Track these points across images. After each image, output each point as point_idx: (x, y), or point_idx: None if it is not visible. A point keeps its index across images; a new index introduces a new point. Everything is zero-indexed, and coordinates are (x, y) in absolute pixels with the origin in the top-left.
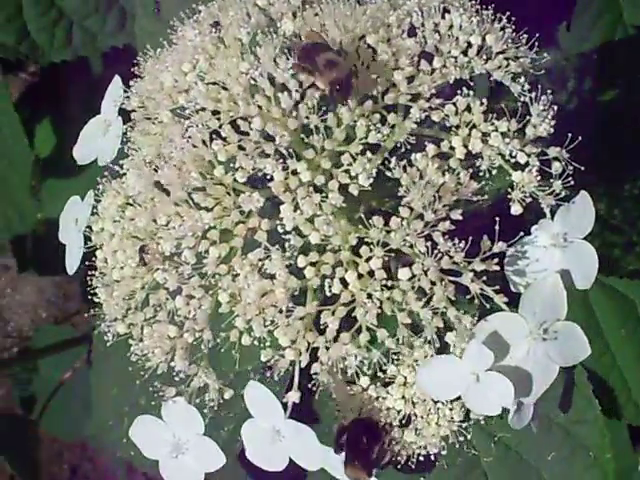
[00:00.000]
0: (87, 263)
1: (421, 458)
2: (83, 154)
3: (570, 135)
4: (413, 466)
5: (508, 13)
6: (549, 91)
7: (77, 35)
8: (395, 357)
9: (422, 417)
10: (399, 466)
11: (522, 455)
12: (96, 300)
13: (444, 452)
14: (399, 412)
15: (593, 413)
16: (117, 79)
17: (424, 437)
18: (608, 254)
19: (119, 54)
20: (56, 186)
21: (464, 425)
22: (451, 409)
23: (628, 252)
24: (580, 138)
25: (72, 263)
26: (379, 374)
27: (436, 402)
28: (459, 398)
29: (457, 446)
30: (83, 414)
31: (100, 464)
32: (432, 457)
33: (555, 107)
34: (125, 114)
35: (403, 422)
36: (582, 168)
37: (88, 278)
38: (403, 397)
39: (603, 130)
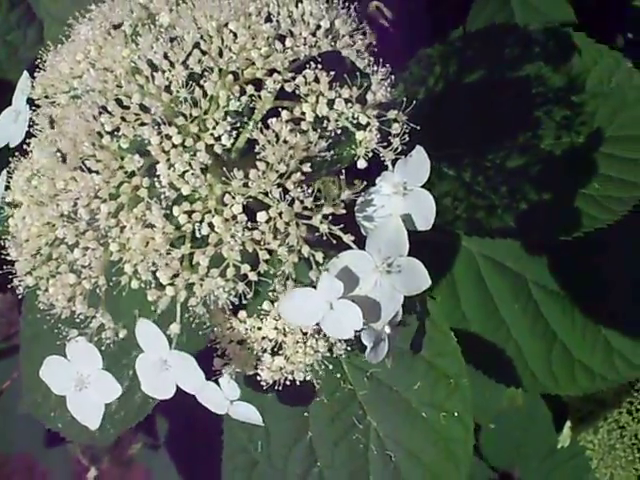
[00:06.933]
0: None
1: (297, 388)
2: None
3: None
4: (294, 398)
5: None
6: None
7: (1, 48)
8: (272, 295)
9: (291, 346)
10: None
11: (392, 387)
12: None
13: (322, 386)
14: (271, 340)
15: (451, 345)
16: (25, 74)
17: (292, 363)
18: (473, 216)
19: None
20: None
21: (328, 355)
22: (316, 340)
23: (491, 214)
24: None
25: None
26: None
27: (304, 333)
28: (324, 334)
29: (334, 382)
30: (22, 424)
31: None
32: (311, 391)
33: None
34: (32, 104)
35: (275, 350)
36: (417, 127)
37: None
38: (276, 328)
39: (469, 108)
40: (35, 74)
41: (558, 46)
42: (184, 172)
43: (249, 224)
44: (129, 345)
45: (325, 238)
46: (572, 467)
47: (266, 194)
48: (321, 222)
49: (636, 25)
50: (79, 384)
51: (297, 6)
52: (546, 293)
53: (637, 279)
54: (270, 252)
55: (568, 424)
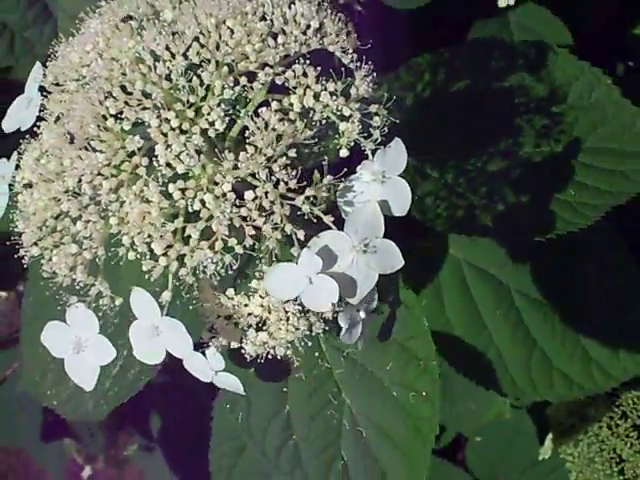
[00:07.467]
0: None
1: (277, 364)
2: (9, 124)
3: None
4: (274, 374)
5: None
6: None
7: (18, 44)
8: (258, 275)
9: (274, 322)
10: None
11: (367, 367)
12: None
13: (301, 363)
14: (256, 317)
15: (422, 329)
16: (38, 64)
17: (275, 339)
18: (454, 215)
19: None
20: None
21: (308, 333)
22: (298, 318)
23: (470, 214)
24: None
25: None
26: (245, 285)
27: (287, 312)
28: (306, 314)
29: (312, 360)
30: (20, 415)
31: (32, 469)
32: (289, 368)
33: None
34: (43, 91)
35: (259, 325)
36: (397, 121)
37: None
38: (261, 305)
39: (454, 115)
40: (47, 64)
41: (541, 59)
42: (180, 153)
43: (237, 202)
44: (125, 326)
45: (307, 218)
46: None
47: (254, 175)
48: (303, 202)
49: (636, 53)
50: (77, 347)
51: (290, 7)
52: (528, 301)
53: (616, 292)
54: (256, 229)
55: (550, 436)
